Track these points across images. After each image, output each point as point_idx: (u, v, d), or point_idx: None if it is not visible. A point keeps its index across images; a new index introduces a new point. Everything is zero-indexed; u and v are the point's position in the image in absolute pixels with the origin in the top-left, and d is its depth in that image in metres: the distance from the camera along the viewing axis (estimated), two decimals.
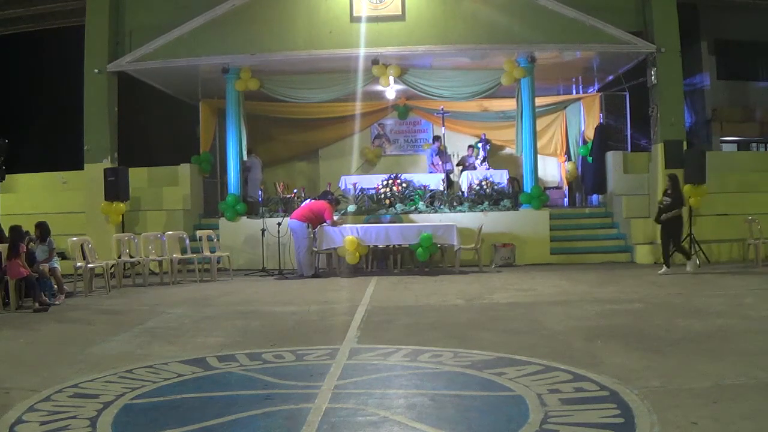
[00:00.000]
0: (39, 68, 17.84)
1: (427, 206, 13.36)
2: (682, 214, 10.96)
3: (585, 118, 15.59)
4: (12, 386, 4.82)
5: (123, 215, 13.11)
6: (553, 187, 16.31)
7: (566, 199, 16.42)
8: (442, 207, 13.32)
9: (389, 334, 6.52)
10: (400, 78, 13.48)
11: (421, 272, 11.77)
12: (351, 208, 13.26)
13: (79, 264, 10.20)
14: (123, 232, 12.52)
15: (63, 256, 11.31)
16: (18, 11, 16.03)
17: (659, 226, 11.12)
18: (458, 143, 16.57)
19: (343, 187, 14.54)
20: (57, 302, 9.09)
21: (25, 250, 8.83)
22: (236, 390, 4.63)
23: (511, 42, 12.83)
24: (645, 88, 13.56)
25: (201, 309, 8.42)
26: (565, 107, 16.24)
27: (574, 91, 16.26)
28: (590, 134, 15.07)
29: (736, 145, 18.86)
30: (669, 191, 10.98)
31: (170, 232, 12.07)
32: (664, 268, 10.88)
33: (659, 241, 12.83)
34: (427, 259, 11.84)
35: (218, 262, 12.18)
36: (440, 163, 15.44)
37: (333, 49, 12.77)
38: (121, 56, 13.27)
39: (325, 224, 11.70)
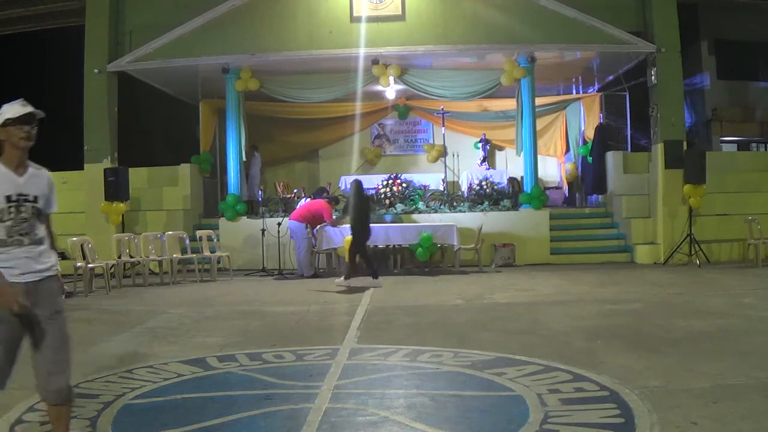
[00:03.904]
0: (39, 68, 17.83)
1: (426, 206, 13.36)
2: (355, 224, 10.05)
3: (585, 118, 15.59)
4: (12, 386, 4.82)
5: (123, 215, 13.10)
6: (553, 187, 16.32)
7: (566, 199, 16.42)
8: (442, 207, 13.32)
9: (389, 334, 6.52)
10: (400, 78, 13.48)
11: (421, 272, 11.77)
12: None
13: (79, 264, 10.20)
14: (123, 232, 12.52)
15: (63, 256, 11.30)
16: (18, 11, 16.02)
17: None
18: (458, 143, 16.57)
19: (343, 187, 14.54)
20: None
21: None
22: (236, 390, 4.63)
23: (511, 42, 12.83)
24: (645, 88, 13.56)
25: (201, 309, 8.42)
26: (565, 107, 16.25)
27: (574, 91, 16.25)
28: (590, 134, 15.07)
29: (736, 145, 18.86)
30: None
31: (170, 232, 12.07)
32: (343, 278, 10.00)
33: (659, 241, 12.89)
34: (427, 259, 11.84)
35: (218, 262, 12.18)
36: None
37: (333, 49, 12.77)
38: (121, 56, 13.26)
39: (324, 224, 11.69)
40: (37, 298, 3.17)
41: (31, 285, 3.16)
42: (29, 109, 3.24)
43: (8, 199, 3.15)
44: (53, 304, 3.27)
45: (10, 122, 3.17)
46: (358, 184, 10.54)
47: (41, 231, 3.36)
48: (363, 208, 10.30)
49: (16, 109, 3.21)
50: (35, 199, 3.26)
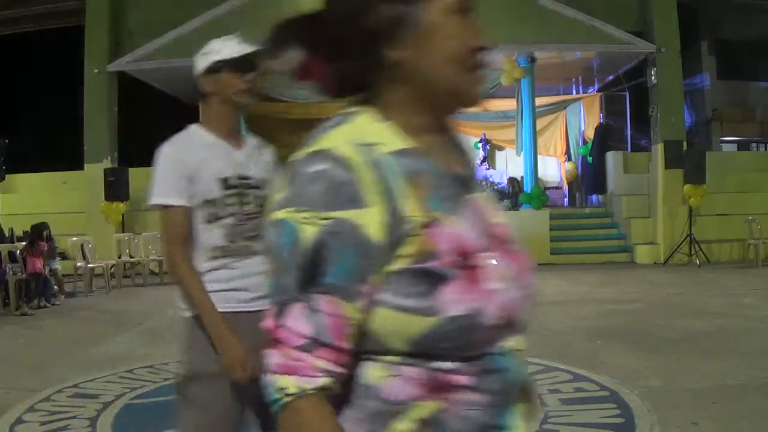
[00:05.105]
0: (39, 68, 17.83)
1: None
2: None
3: (585, 118, 15.59)
4: (12, 386, 4.83)
5: (123, 215, 13.10)
6: (553, 187, 16.31)
7: (566, 199, 16.42)
8: None
9: None
10: None
11: None
12: None
13: (79, 264, 10.20)
14: (123, 232, 12.52)
15: (63, 256, 11.31)
16: (18, 11, 16.02)
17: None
18: None
19: None
20: (57, 303, 9.10)
21: (45, 248, 9.05)
22: None
23: (511, 42, 12.83)
24: (645, 88, 13.56)
25: None
26: (565, 107, 16.25)
27: (574, 91, 16.25)
28: (590, 134, 15.07)
29: (736, 145, 18.86)
30: None
31: None
32: None
33: (659, 241, 12.89)
34: None
35: None
36: None
37: None
38: (121, 56, 13.26)
39: None
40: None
41: (261, 316, 2.29)
42: (252, 47, 2.12)
43: (225, 183, 2.07)
44: None
45: (223, 66, 2.09)
46: None
47: None
48: None
49: (232, 47, 2.11)
50: (261, 185, 2.15)
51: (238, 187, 2.08)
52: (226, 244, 2.06)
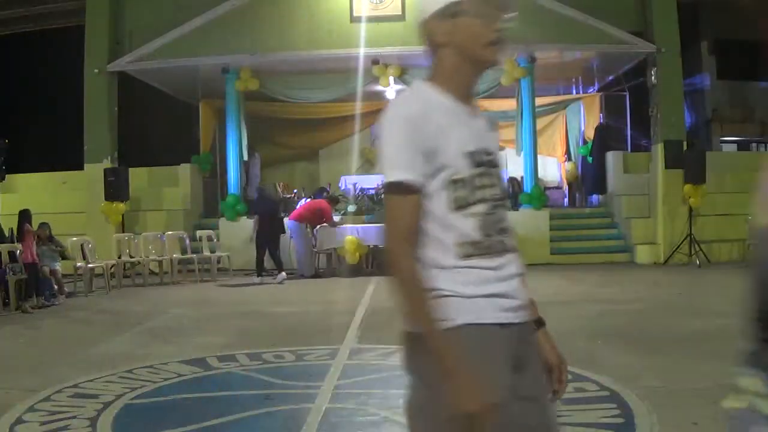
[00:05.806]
0: (39, 68, 17.83)
1: None
2: (259, 225, 11.29)
3: (585, 118, 15.59)
4: (12, 386, 4.82)
5: (123, 215, 13.10)
6: (553, 187, 16.31)
7: (566, 199, 16.42)
8: None
9: (389, 334, 6.51)
10: (400, 78, 13.48)
11: None
12: (351, 208, 13.25)
13: (79, 264, 10.20)
14: (123, 232, 12.52)
15: (63, 256, 11.30)
16: (18, 11, 16.03)
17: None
18: None
19: (343, 187, 14.54)
20: (57, 302, 9.10)
21: (30, 231, 9.10)
22: (236, 390, 4.63)
23: (511, 42, 12.80)
24: (645, 88, 13.56)
25: (201, 309, 8.42)
26: (565, 107, 16.24)
27: (574, 91, 16.25)
28: (590, 134, 15.07)
29: (736, 145, 18.85)
30: None
31: (170, 232, 12.07)
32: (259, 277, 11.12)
33: (659, 241, 12.89)
34: None
35: (218, 262, 12.18)
36: None
37: (333, 49, 12.77)
38: (121, 56, 13.26)
39: (325, 224, 11.70)
40: (529, 354, 1.72)
41: (526, 329, 1.71)
42: None
43: (472, 158, 1.56)
44: (541, 369, 1.81)
45: (465, 9, 1.62)
46: (262, 189, 11.99)
47: None
48: (267, 211, 11.28)
49: None
50: (500, 163, 1.69)
51: (485, 164, 1.57)
52: (480, 238, 1.54)
